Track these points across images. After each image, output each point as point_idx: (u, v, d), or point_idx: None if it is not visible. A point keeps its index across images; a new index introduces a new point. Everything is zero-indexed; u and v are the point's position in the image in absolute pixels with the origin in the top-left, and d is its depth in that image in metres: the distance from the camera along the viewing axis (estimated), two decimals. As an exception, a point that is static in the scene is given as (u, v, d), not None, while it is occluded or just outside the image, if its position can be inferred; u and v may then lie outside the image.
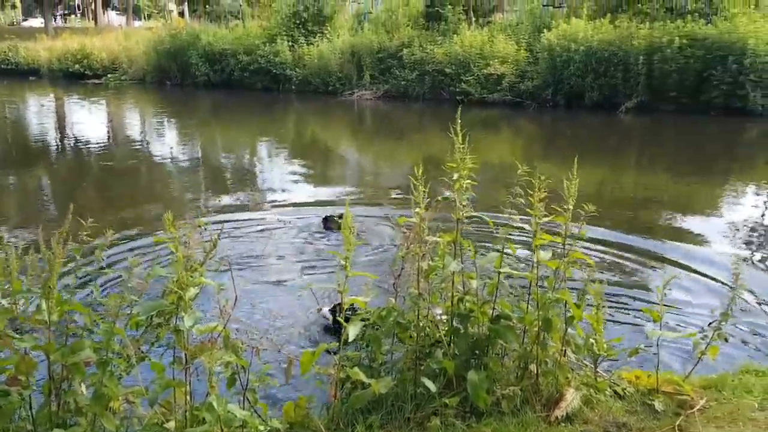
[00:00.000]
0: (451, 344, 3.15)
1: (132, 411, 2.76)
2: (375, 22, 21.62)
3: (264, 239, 6.74)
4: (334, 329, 4.53)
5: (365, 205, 8.14)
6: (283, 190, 9.36)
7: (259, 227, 7.16)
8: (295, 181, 10.10)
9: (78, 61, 25.12)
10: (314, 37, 21.29)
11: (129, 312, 2.57)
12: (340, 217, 7.11)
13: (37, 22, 49.29)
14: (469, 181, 2.98)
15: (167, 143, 14.34)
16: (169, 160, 12.06)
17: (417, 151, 12.98)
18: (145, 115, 18.92)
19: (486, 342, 3.10)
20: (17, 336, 2.50)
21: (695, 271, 5.79)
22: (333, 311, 4.61)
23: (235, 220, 7.42)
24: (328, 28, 21.54)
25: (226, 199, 8.78)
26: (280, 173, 10.85)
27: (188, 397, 2.68)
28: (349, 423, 3.00)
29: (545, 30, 17.74)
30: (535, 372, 3.06)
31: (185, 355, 2.68)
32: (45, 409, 2.52)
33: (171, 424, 2.64)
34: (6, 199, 9.21)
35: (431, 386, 2.90)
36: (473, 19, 20.64)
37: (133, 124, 17.69)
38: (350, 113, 18.47)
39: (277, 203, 8.37)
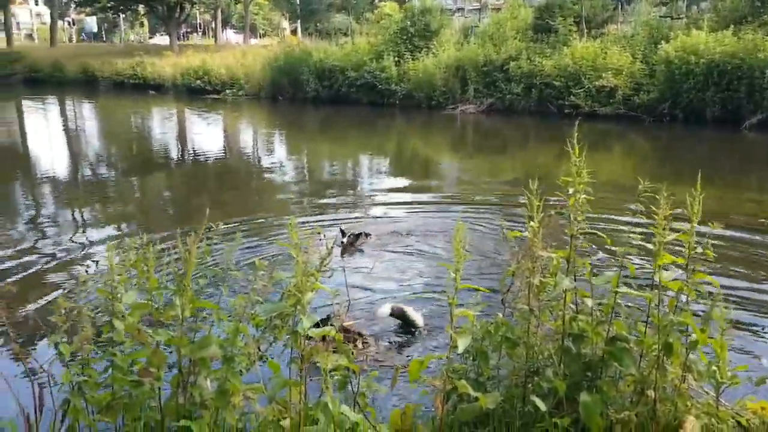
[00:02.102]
0: (562, 364, 3.07)
1: (250, 407, 2.91)
2: (482, 35, 21.56)
3: (367, 247, 6.89)
4: None
5: (466, 215, 8.11)
6: (383, 202, 9.52)
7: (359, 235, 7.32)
8: (394, 193, 10.28)
9: (199, 77, 26.76)
10: (420, 52, 21.53)
11: (252, 312, 2.71)
12: (357, 237, 6.92)
13: (161, 39, 53.04)
14: (585, 196, 2.91)
15: (277, 154, 15.01)
16: (278, 169, 12.60)
17: (521, 165, 12.78)
18: (258, 128, 19.88)
19: (600, 364, 2.99)
20: (151, 331, 2.71)
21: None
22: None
23: (334, 223, 7.69)
24: (434, 42, 21.71)
25: (326, 207, 9.11)
26: (380, 185, 11.09)
27: (302, 397, 2.79)
28: (456, 435, 3.00)
29: (663, 42, 16.98)
30: (653, 398, 2.92)
31: (301, 355, 2.80)
32: (173, 401, 2.70)
33: (286, 422, 2.75)
34: (132, 201, 10.00)
35: (542, 405, 2.84)
36: (585, 30, 20.10)
37: (247, 136, 18.65)
38: (453, 127, 18.49)
39: (376, 215, 8.54)
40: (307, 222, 7.98)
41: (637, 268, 2.95)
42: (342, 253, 6.70)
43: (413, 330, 4.80)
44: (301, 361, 2.79)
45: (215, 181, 11.99)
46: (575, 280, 3.00)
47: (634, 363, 2.91)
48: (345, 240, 6.86)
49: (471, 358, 3.24)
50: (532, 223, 2.87)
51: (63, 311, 2.56)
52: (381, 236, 7.25)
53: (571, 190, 2.87)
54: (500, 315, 3.20)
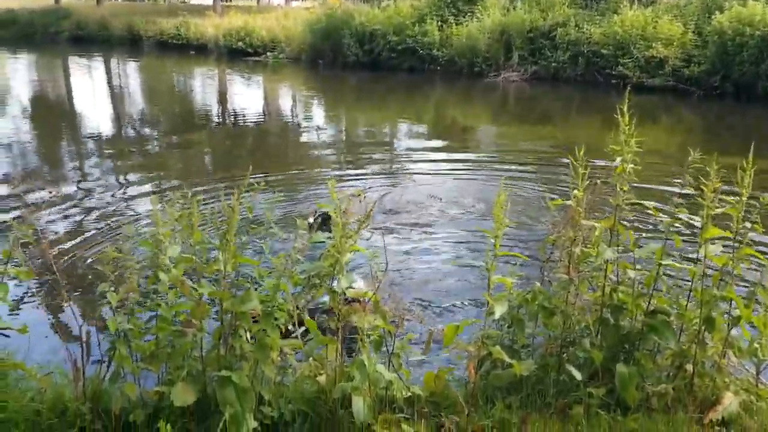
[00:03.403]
0: (599, 335, 3.05)
1: (287, 362, 2.97)
2: (528, 0, 20.97)
3: (404, 211, 6.90)
4: None
5: (505, 182, 8.02)
6: (421, 166, 9.51)
7: (397, 199, 7.32)
8: (432, 157, 10.27)
9: (241, 38, 26.68)
10: (464, 17, 21.10)
11: (292, 269, 2.75)
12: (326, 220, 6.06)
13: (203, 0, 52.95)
14: (632, 165, 2.84)
15: (315, 117, 15.06)
16: (316, 132, 12.64)
17: (564, 135, 12.52)
18: (298, 91, 19.88)
19: (638, 336, 2.97)
20: (195, 284, 2.78)
21: None
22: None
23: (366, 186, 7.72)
24: (479, 6, 21.22)
25: (364, 169, 9.17)
26: (418, 149, 11.06)
27: (338, 355, 2.84)
28: (488, 400, 3.02)
29: (717, 12, 16.29)
30: (691, 372, 2.89)
31: (338, 315, 2.84)
32: (214, 352, 2.78)
33: (322, 378, 2.81)
34: (174, 157, 10.21)
35: (577, 374, 2.84)
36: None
37: (286, 99, 18.71)
38: (495, 95, 18.17)
39: (413, 179, 8.53)
40: (343, 181, 8.03)
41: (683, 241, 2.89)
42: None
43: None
44: (338, 320, 2.84)
45: (254, 141, 12.11)
46: (618, 251, 2.96)
47: (674, 336, 2.87)
48: (311, 221, 6.18)
49: (506, 326, 3.25)
50: (575, 191, 2.83)
51: (111, 261, 2.64)
52: (418, 202, 7.25)
53: (618, 159, 2.81)
54: (538, 284, 3.19)
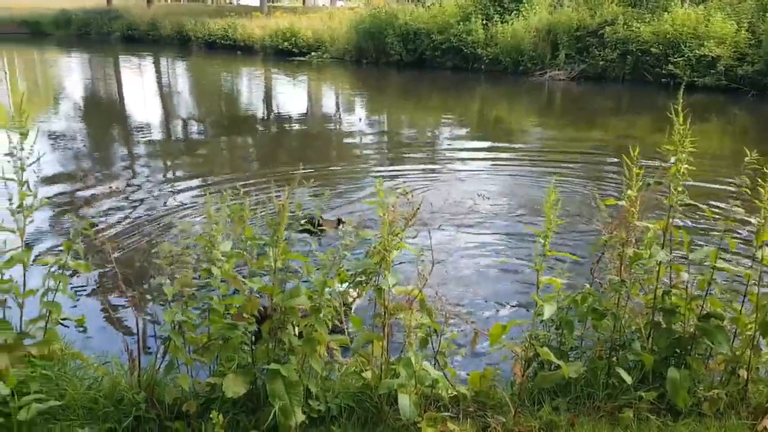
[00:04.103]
0: (650, 338, 3.00)
1: (333, 357, 3.02)
2: (576, -2, 20.65)
3: (450, 209, 6.89)
4: None
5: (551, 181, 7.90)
6: (464, 164, 9.46)
7: (442, 197, 7.30)
8: (475, 155, 10.21)
9: (286, 39, 27.03)
10: (509, 15, 20.89)
11: (339, 266, 2.78)
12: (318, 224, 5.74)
13: (251, 0, 53.68)
14: (687, 165, 2.78)
15: (358, 115, 15.13)
16: (359, 130, 12.70)
17: (612, 135, 12.28)
18: (341, 90, 20.03)
19: (690, 341, 2.90)
20: (246, 279, 2.84)
21: None
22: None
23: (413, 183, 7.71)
24: (525, 4, 20.99)
25: (407, 166, 9.16)
26: (462, 147, 11.02)
27: (384, 351, 2.86)
28: (535, 402, 3.00)
29: (772, 9, 15.76)
30: (745, 378, 2.82)
31: (385, 311, 2.87)
32: (263, 345, 2.84)
33: (368, 374, 2.84)
34: (221, 154, 10.42)
35: (627, 378, 2.80)
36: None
37: (329, 97, 18.88)
38: (540, 94, 17.95)
39: (456, 176, 8.50)
40: (388, 177, 8.05)
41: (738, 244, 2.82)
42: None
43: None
44: (385, 316, 2.86)
45: (299, 138, 12.26)
46: (671, 253, 2.90)
47: (727, 341, 2.81)
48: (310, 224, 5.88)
49: (554, 327, 3.22)
50: (629, 191, 2.79)
51: (168, 255, 2.72)
52: (464, 200, 7.22)
53: (672, 159, 2.75)
54: (588, 285, 3.15)
